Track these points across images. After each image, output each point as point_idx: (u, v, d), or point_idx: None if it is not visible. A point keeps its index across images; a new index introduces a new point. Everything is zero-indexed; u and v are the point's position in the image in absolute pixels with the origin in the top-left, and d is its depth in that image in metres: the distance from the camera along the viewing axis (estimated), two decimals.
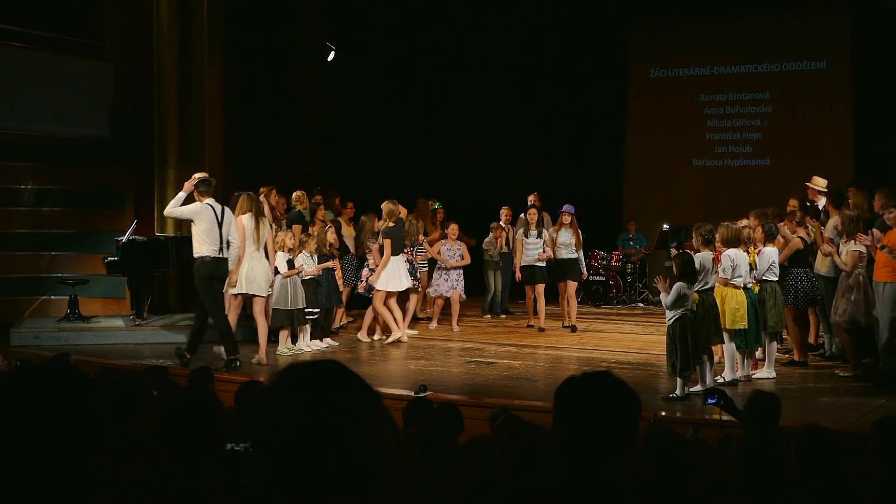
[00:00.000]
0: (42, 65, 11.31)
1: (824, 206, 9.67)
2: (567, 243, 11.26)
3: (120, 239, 10.60)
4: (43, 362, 1.63)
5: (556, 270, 11.35)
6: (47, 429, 1.44)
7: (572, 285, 11.46)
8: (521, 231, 11.63)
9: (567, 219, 11.35)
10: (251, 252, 9.12)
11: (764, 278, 8.35)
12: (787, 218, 9.21)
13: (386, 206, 10.41)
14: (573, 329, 11.36)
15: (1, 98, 10.84)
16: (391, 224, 10.37)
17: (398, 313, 10.54)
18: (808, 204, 10.13)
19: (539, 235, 11.43)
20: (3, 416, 1.44)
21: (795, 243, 8.87)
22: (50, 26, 11.40)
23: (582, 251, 11.48)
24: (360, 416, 1.34)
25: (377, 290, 10.37)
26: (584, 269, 11.71)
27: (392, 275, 10.31)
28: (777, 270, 8.45)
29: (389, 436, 1.37)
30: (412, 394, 7.26)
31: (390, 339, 10.40)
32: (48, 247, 11.95)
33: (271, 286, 9.40)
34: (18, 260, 11.81)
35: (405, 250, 10.77)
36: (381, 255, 10.32)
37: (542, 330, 11.27)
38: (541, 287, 11.33)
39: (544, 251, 11.30)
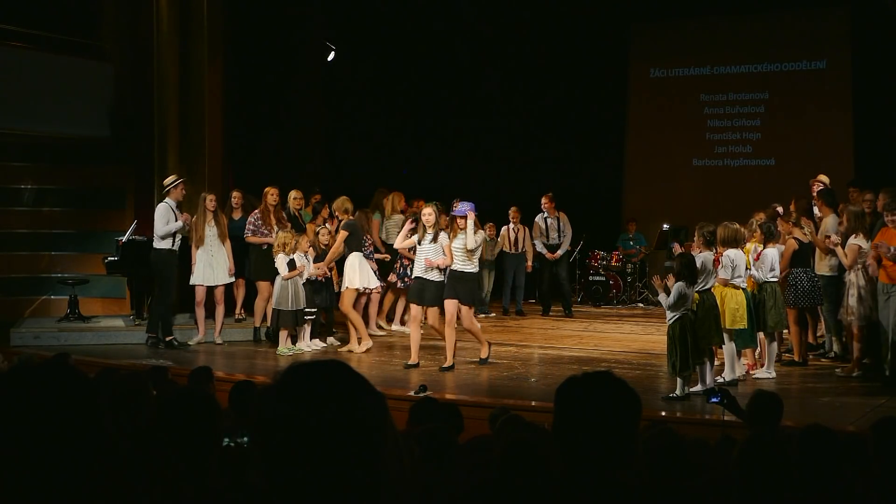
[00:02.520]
0: (42, 65, 11.30)
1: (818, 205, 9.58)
2: (462, 249, 8.63)
3: (120, 239, 10.60)
4: (43, 362, 1.63)
5: (446, 287, 8.73)
6: (47, 429, 1.43)
7: (466, 312, 8.76)
8: (415, 235, 8.94)
9: (462, 223, 8.61)
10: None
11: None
12: (780, 218, 9.18)
13: (344, 203, 10.05)
14: (482, 361, 9.01)
15: (1, 98, 10.84)
16: (351, 218, 10.00)
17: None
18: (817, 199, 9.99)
19: (434, 240, 8.73)
20: (3, 416, 1.44)
21: (790, 245, 8.85)
22: (50, 26, 11.39)
23: (476, 261, 8.85)
24: (362, 416, 1.34)
25: (346, 290, 9.81)
26: (488, 286, 8.38)
27: (357, 271, 9.88)
28: (777, 271, 8.45)
29: (391, 436, 1.37)
30: (412, 394, 7.27)
31: (355, 348, 9.76)
32: (48, 247, 11.94)
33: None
34: (18, 260, 11.79)
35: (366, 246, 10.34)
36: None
37: (408, 366, 8.87)
38: (434, 310, 8.88)
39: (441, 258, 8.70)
